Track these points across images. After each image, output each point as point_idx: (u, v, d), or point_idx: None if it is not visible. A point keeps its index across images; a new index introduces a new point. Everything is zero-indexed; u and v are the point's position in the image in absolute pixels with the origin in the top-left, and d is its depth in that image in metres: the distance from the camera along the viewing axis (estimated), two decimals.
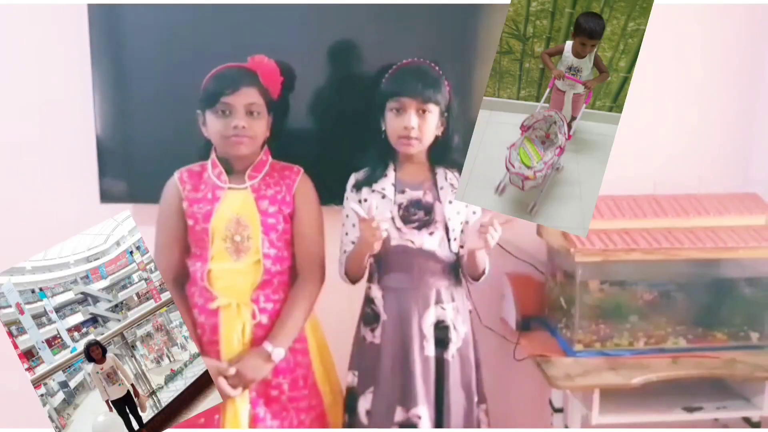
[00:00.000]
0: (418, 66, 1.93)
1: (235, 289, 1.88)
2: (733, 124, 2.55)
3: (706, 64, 2.51)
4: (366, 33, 2.29)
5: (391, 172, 1.96)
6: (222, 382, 1.80)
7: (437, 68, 1.93)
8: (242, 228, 1.87)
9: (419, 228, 1.93)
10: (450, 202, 1.94)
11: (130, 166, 2.33)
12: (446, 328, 1.96)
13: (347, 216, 2.00)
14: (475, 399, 2.01)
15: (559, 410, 2.32)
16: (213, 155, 1.92)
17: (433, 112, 1.88)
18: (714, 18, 2.47)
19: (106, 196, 2.32)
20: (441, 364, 1.95)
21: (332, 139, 2.30)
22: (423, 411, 1.91)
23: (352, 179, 2.00)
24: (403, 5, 2.25)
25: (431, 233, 1.93)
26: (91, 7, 2.21)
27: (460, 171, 1.96)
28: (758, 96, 2.53)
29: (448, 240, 1.96)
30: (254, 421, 1.88)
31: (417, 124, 1.86)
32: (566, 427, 2.25)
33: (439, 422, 1.95)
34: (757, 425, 2.23)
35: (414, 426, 1.91)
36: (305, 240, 1.95)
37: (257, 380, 1.86)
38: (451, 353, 1.96)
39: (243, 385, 1.84)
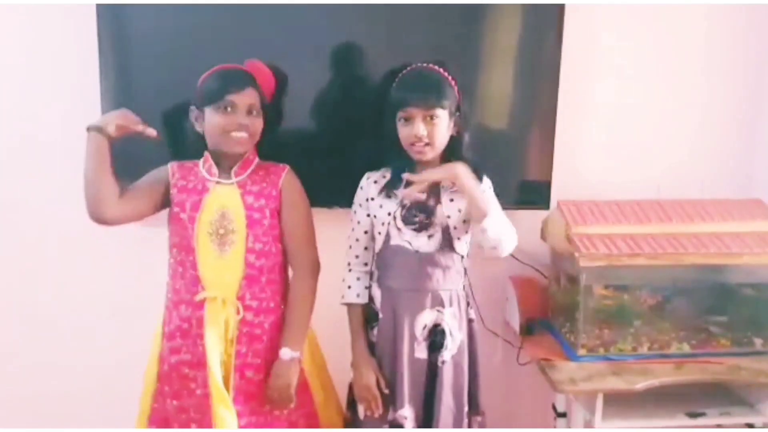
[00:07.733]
0: (419, 72, 1.91)
1: (221, 283, 1.89)
2: (737, 129, 2.55)
3: (710, 69, 2.51)
4: (370, 34, 2.29)
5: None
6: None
7: (442, 70, 1.91)
8: (227, 222, 1.88)
9: (418, 230, 1.93)
10: (451, 200, 1.93)
11: (137, 166, 2.32)
12: (442, 332, 1.95)
13: (359, 222, 2.00)
14: (466, 408, 1.99)
15: (563, 415, 2.32)
16: (206, 151, 1.95)
17: (442, 117, 1.87)
18: (717, 21, 2.48)
19: None
20: (434, 368, 1.95)
21: (335, 142, 2.31)
22: (408, 412, 1.93)
23: (365, 180, 2.01)
24: (406, 5, 2.25)
25: (430, 236, 1.92)
26: (99, 7, 2.21)
27: (470, 167, 1.94)
28: (762, 101, 2.53)
29: (450, 240, 1.93)
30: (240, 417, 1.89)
31: (425, 132, 1.85)
32: None
33: (427, 426, 1.95)
34: None
35: (400, 426, 1.93)
36: (294, 235, 1.96)
37: (293, 385, 1.89)
38: (444, 358, 1.95)
39: (282, 398, 1.89)
